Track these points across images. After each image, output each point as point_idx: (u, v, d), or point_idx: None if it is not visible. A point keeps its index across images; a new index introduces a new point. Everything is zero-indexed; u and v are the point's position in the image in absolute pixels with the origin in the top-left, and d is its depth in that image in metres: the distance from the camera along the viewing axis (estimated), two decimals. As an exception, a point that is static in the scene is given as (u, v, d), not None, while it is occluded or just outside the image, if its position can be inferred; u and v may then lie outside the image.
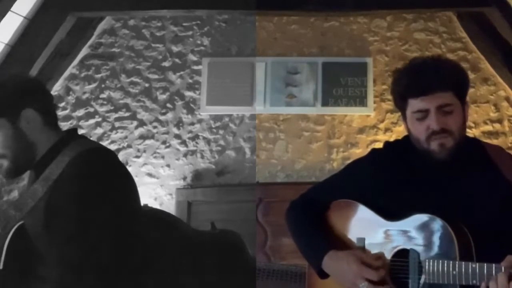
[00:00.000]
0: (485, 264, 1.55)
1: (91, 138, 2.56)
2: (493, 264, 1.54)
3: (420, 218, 1.71)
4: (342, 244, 1.87)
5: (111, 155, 1.74)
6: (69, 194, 1.58)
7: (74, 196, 1.58)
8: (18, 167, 1.72)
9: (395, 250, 1.76)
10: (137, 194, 1.74)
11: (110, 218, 1.59)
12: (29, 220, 1.66)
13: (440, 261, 1.63)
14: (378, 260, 1.76)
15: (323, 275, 1.86)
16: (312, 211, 1.95)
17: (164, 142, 4.83)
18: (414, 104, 1.76)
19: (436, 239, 1.68)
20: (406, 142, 1.87)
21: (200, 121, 4.84)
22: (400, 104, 1.83)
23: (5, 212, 1.68)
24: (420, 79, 1.74)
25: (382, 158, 1.91)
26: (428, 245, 1.69)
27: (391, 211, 1.78)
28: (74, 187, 1.59)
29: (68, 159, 1.64)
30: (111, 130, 4.86)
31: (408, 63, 1.83)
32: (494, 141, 4.46)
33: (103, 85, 4.92)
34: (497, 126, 4.69)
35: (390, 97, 4.85)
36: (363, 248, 1.84)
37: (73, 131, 1.82)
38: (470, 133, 4.52)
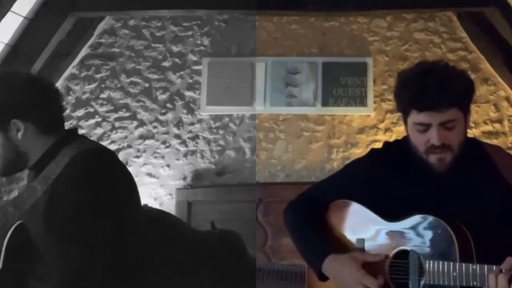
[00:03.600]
0: (485, 265, 1.55)
1: (91, 138, 2.56)
2: (493, 266, 1.54)
3: (420, 218, 1.71)
4: (341, 245, 1.87)
5: (111, 155, 1.74)
6: (69, 194, 1.58)
7: (74, 196, 1.57)
8: (7, 170, 1.73)
9: (395, 251, 1.76)
10: (137, 194, 1.74)
11: (111, 218, 1.59)
12: (29, 220, 1.66)
13: (440, 262, 1.62)
14: (378, 263, 1.76)
15: (323, 277, 1.86)
16: (311, 212, 1.94)
17: (164, 142, 4.83)
18: (416, 117, 1.72)
19: (436, 240, 1.67)
20: (405, 142, 1.86)
21: (200, 121, 4.84)
22: (402, 110, 1.80)
23: (3, 210, 1.67)
24: (425, 94, 1.69)
25: (381, 158, 1.91)
26: (428, 246, 1.69)
27: (390, 212, 1.78)
28: (74, 187, 1.58)
29: (67, 159, 1.63)
30: (111, 130, 4.86)
31: (414, 69, 1.78)
32: (494, 141, 4.46)
33: (103, 85, 4.92)
34: (497, 126, 4.69)
35: (390, 97, 4.89)
36: (362, 250, 1.83)
37: (73, 131, 1.81)
38: (470, 133, 4.47)
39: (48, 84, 1.78)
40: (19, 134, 1.68)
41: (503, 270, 1.51)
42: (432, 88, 1.68)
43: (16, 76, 1.76)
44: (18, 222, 1.68)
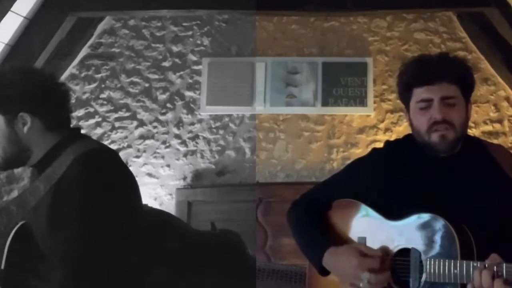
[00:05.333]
0: (486, 263, 1.55)
1: (91, 138, 2.56)
2: (478, 262, 1.55)
3: (421, 217, 1.71)
4: (343, 243, 1.86)
5: (114, 155, 1.74)
6: (72, 195, 1.57)
7: (77, 196, 1.57)
8: (7, 164, 1.73)
9: (396, 249, 1.76)
10: (139, 194, 1.74)
11: (113, 218, 1.59)
12: (32, 220, 1.66)
13: (441, 260, 1.63)
14: (377, 251, 1.76)
15: (324, 271, 1.86)
16: (314, 211, 1.94)
17: (164, 142, 4.83)
18: (419, 94, 1.78)
19: (437, 238, 1.68)
20: (406, 140, 1.88)
21: (200, 121, 4.84)
22: (405, 95, 1.85)
23: (5, 209, 1.67)
24: (426, 69, 1.77)
25: (382, 157, 1.91)
26: (429, 244, 1.69)
27: (392, 210, 1.78)
28: (78, 188, 1.58)
29: (71, 159, 1.63)
30: (111, 130, 4.86)
31: (417, 56, 1.87)
32: (494, 141, 4.45)
33: (103, 85, 4.92)
34: (497, 126, 4.69)
35: (390, 97, 4.91)
36: (364, 247, 1.84)
37: (76, 130, 1.81)
38: (470, 133, 4.49)
39: (60, 83, 1.79)
40: (25, 128, 1.68)
41: (486, 266, 1.51)
42: (432, 64, 1.78)
43: (30, 71, 1.77)
44: (21, 222, 1.68)
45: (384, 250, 1.77)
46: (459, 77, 1.78)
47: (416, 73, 1.79)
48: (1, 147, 1.69)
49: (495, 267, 1.51)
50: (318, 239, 1.88)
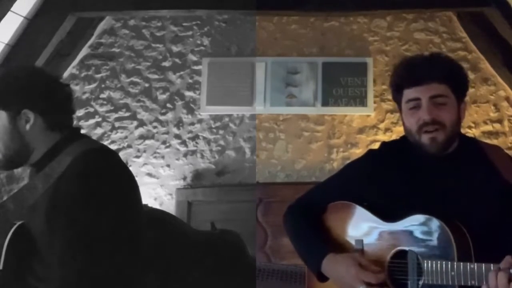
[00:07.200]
0: (483, 264, 1.55)
1: (91, 138, 2.56)
2: (491, 264, 1.54)
3: (418, 218, 1.72)
4: (340, 246, 1.87)
5: (114, 155, 1.74)
6: (71, 194, 1.57)
7: (77, 196, 1.57)
8: (8, 162, 1.73)
9: (393, 251, 1.76)
10: (139, 194, 1.74)
11: (112, 219, 1.59)
12: (30, 219, 1.66)
13: (439, 261, 1.63)
14: (376, 263, 1.76)
15: (322, 278, 1.86)
16: (310, 214, 1.94)
17: (164, 142, 4.83)
18: (408, 94, 1.80)
19: (434, 240, 1.68)
20: (402, 141, 1.88)
21: (200, 121, 4.84)
22: (397, 96, 1.87)
23: (3, 206, 1.67)
24: (414, 70, 1.79)
25: (378, 158, 1.92)
26: (426, 246, 1.69)
27: (388, 212, 1.78)
28: (77, 187, 1.58)
29: (70, 158, 1.63)
30: (111, 130, 4.86)
31: (408, 57, 1.88)
32: (494, 141, 4.46)
33: (103, 85, 4.93)
34: (497, 126, 4.69)
35: (390, 97, 4.85)
36: (361, 250, 1.83)
37: (76, 130, 1.81)
38: (470, 133, 4.52)
39: (65, 84, 1.79)
40: (28, 125, 1.69)
41: (501, 268, 1.51)
42: (420, 65, 1.79)
43: (36, 70, 1.78)
44: (19, 223, 1.68)
45: (381, 260, 1.77)
46: (448, 76, 1.78)
47: (405, 75, 1.81)
48: (3, 144, 1.69)
49: (511, 270, 1.50)
50: (316, 245, 1.88)
